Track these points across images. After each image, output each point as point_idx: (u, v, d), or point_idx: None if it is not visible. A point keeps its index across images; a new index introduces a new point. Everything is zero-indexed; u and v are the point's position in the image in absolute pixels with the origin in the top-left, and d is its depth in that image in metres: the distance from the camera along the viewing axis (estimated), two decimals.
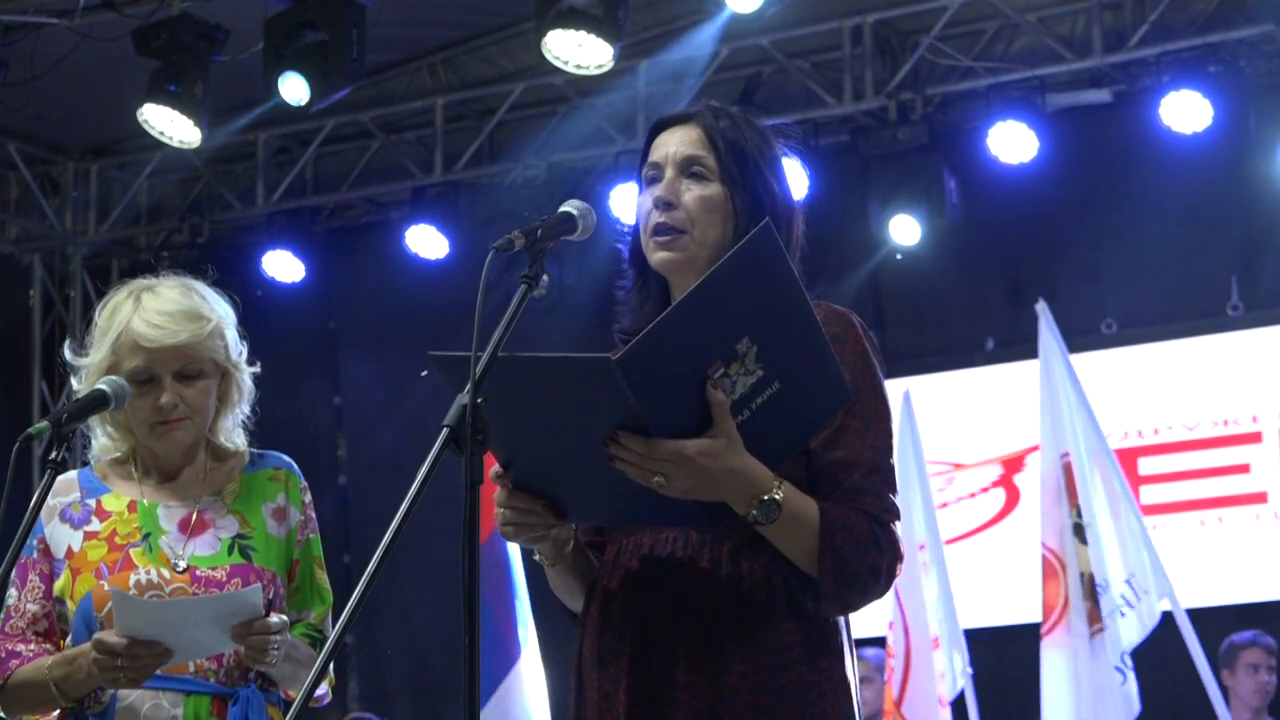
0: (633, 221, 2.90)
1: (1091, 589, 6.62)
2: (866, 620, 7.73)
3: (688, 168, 2.80)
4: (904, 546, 7.47)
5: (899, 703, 7.13)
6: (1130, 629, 6.73)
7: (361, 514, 10.01)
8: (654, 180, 2.82)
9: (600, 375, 2.45)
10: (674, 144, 2.82)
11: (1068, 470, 6.77)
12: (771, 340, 2.56)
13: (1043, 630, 6.80)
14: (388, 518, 2.43)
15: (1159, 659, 7.20)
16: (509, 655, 7.19)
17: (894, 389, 7.61)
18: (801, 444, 2.69)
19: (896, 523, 2.72)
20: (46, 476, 3.19)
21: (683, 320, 2.49)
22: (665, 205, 2.78)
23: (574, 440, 2.57)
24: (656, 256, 2.80)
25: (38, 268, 10.47)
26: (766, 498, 2.60)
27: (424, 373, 2.65)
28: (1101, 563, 6.66)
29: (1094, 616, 6.60)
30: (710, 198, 2.78)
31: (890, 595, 7.10)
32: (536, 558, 2.83)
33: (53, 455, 3.15)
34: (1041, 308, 7.10)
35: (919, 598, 7.15)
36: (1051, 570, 6.78)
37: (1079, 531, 6.71)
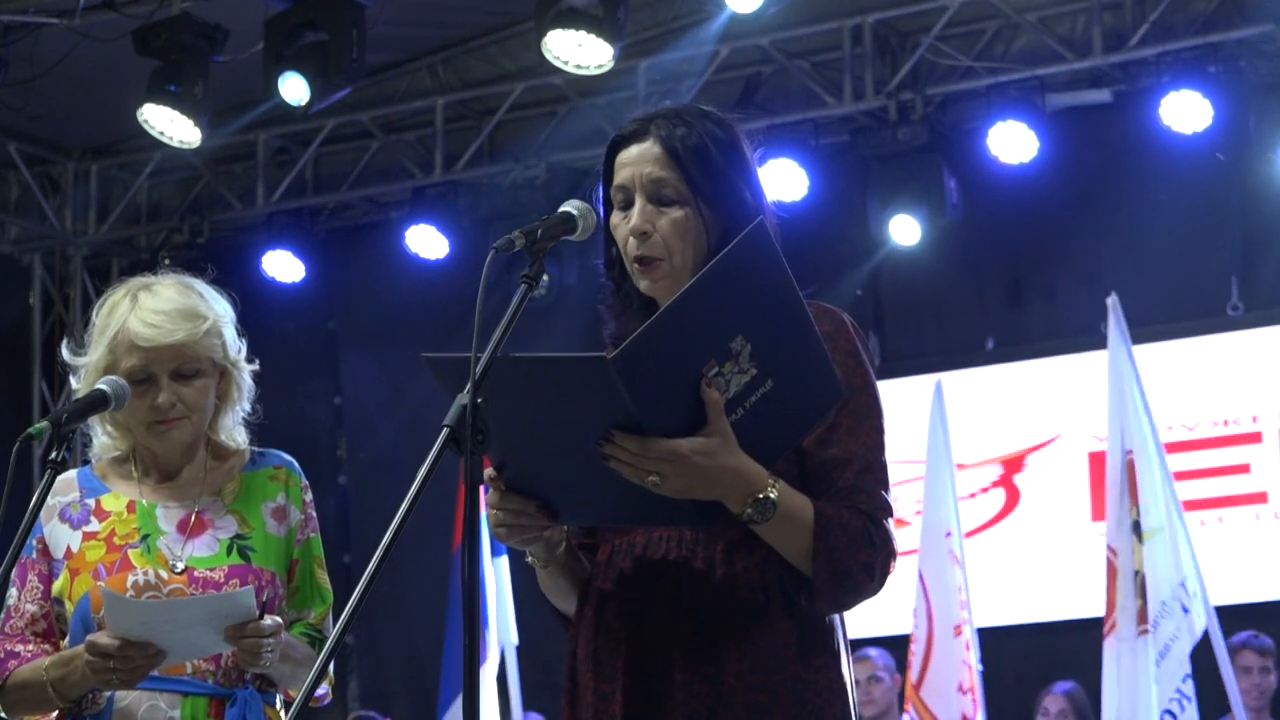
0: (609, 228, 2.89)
1: (1143, 588, 6.61)
2: (877, 620, 7.75)
3: (656, 192, 2.77)
4: (925, 533, 7.42)
5: (918, 687, 7.13)
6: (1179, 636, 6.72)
7: (361, 514, 10.01)
8: (625, 204, 2.80)
9: (595, 374, 2.45)
10: (638, 165, 2.78)
11: (1130, 468, 6.75)
12: (765, 338, 2.56)
13: (1104, 630, 6.77)
14: (388, 518, 2.43)
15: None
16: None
17: (911, 386, 7.68)
18: (795, 442, 2.69)
19: (890, 520, 2.72)
20: (47, 476, 3.19)
21: (677, 318, 2.49)
22: (642, 235, 2.77)
23: (568, 440, 2.57)
24: (642, 284, 2.80)
25: (38, 268, 10.47)
26: (761, 496, 2.60)
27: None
28: (1157, 564, 6.64)
29: (1142, 616, 6.59)
30: (681, 220, 2.76)
31: (915, 581, 7.15)
32: (529, 560, 2.82)
33: (53, 455, 3.15)
34: (1113, 301, 7.03)
35: (945, 584, 7.15)
36: (1112, 569, 6.77)
37: (1136, 529, 6.70)
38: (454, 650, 7.90)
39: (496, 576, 7.83)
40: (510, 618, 7.93)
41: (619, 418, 2.49)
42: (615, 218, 2.82)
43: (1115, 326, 7.00)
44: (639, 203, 2.78)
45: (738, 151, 2.82)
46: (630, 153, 2.80)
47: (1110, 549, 6.78)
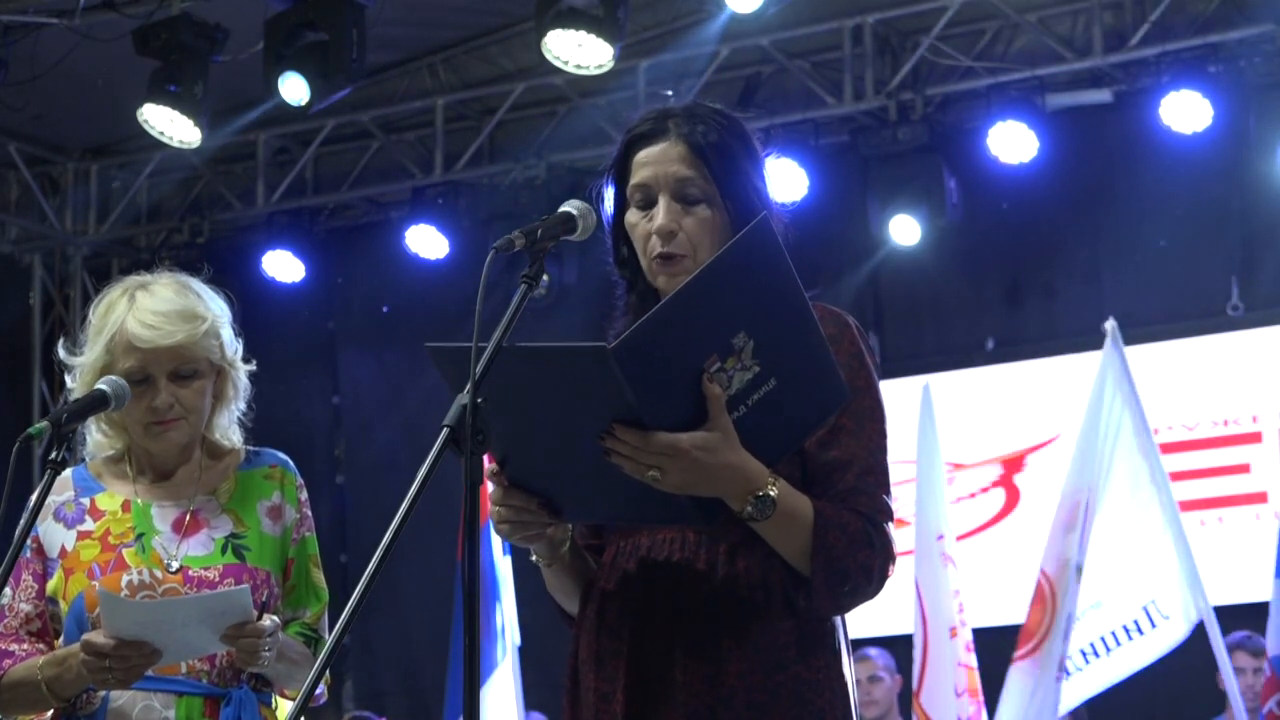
0: (611, 219, 2.87)
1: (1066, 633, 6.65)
2: (876, 620, 7.75)
3: (681, 191, 2.76)
4: (919, 538, 7.44)
5: (917, 694, 7.14)
6: (1139, 654, 6.72)
7: (359, 514, 10.01)
8: (645, 203, 2.79)
9: (596, 365, 2.44)
10: (661, 165, 2.77)
11: (1085, 509, 6.75)
12: (768, 336, 2.55)
13: (1015, 654, 6.77)
14: (385, 518, 2.43)
15: (1159, 660, 7.19)
16: (485, 668, 7.17)
17: (910, 386, 7.69)
18: (797, 443, 2.68)
19: (890, 523, 2.71)
20: (46, 477, 3.19)
21: (679, 311, 2.48)
22: (669, 235, 2.76)
23: (570, 435, 2.56)
24: (661, 281, 2.79)
25: (38, 268, 10.48)
26: (762, 493, 2.60)
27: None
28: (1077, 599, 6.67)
29: (1063, 663, 6.64)
30: (707, 219, 2.76)
31: (911, 587, 7.15)
32: (533, 558, 2.82)
33: (53, 455, 3.14)
34: (1111, 326, 6.80)
35: (938, 587, 7.15)
36: (1041, 596, 6.77)
37: (1079, 572, 6.71)
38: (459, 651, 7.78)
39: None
40: (513, 618, 7.91)
41: (620, 410, 2.49)
42: (633, 216, 2.80)
43: (1114, 353, 6.76)
44: (664, 202, 2.77)
45: (752, 148, 2.82)
46: (651, 152, 2.79)
47: (1045, 576, 6.77)
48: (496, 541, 7.38)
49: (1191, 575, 6.65)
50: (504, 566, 7.60)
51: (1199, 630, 6.76)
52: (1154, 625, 6.70)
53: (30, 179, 10.15)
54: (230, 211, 10.21)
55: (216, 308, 3.44)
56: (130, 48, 8.28)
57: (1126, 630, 6.69)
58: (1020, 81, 8.70)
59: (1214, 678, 7.42)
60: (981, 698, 7.23)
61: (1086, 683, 6.75)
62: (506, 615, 7.52)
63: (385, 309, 10.14)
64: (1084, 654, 6.68)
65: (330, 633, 3.37)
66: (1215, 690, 7.44)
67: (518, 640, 7.84)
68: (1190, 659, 6.78)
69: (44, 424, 3.17)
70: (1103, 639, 6.70)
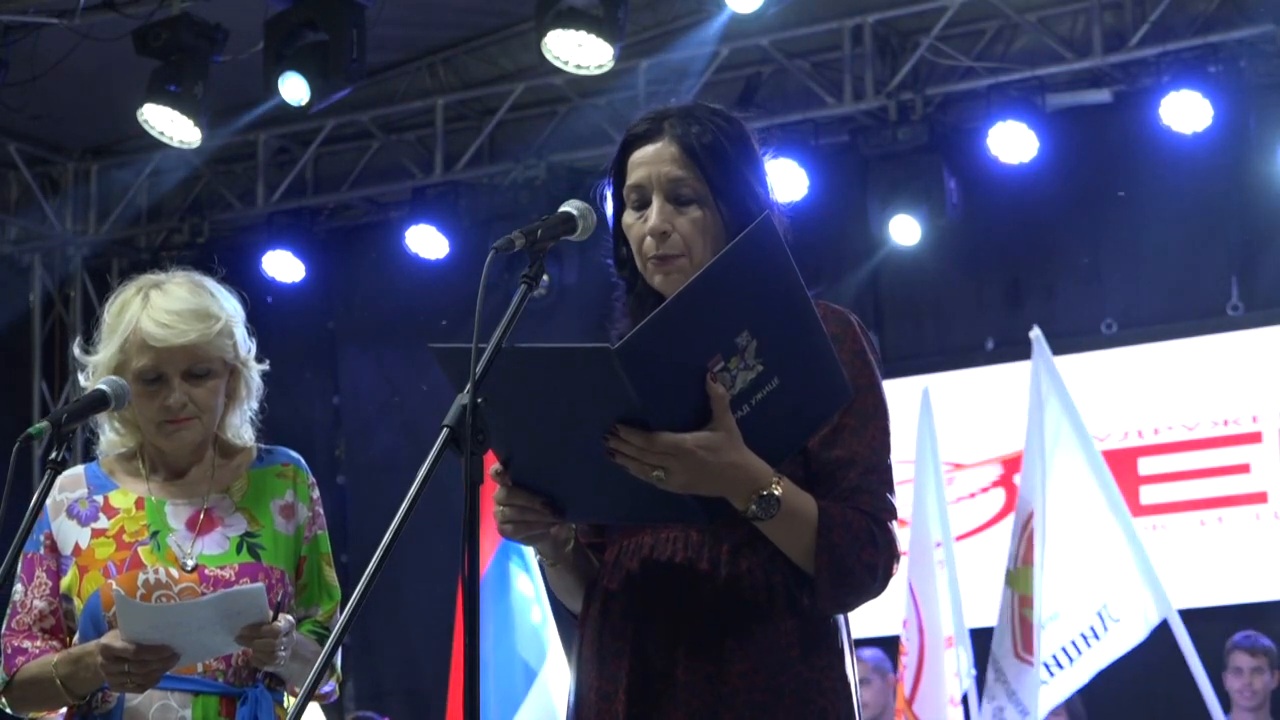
0: (612, 223, 2.88)
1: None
2: (869, 620, 7.74)
3: (674, 191, 2.77)
4: (913, 543, 7.49)
5: (910, 700, 7.13)
6: (1095, 659, 6.76)
7: (359, 514, 10.00)
8: (640, 203, 2.80)
9: (600, 366, 2.45)
10: (655, 165, 2.78)
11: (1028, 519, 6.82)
12: (772, 335, 2.56)
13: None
14: (386, 517, 2.43)
15: (1159, 660, 7.20)
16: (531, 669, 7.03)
17: (910, 386, 7.70)
18: (801, 442, 2.68)
19: (894, 521, 2.72)
20: (46, 477, 3.18)
21: (682, 311, 2.49)
22: (661, 235, 2.77)
23: (573, 435, 2.57)
24: (657, 281, 2.79)
25: (38, 268, 10.47)
26: (766, 493, 2.60)
27: (425, 387, 2.65)
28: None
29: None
30: (700, 220, 2.76)
31: (905, 592, 7.15)
32: (536, 557, 2.83)
33: (53, 455, 3.13)
34: (1036, 335, 6.99)
35: (934, 594, 7.15)
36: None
37: (1008, 576, 6.81)
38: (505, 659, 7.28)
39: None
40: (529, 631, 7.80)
41: (624, 411, 2.49)
42: (629, 217, 2.81)
43: (1041, 363, 6.90)
44: (657, 202, 2.78)
45: (750, 149, 2.83)
46: (645, 152, 2.80)
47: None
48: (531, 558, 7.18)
49: (1149, 576, 6.67)
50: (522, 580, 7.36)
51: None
52: (1106, 629, 6.72)
53: (30, 179, 10.15)
54: (230, 211, 10.22)
55: (230, 307, 3.44)
56: (130, 48, 8.28)
57: (1084, 638, 6.72)
58: (1020, 81, 8.71)
59: (1221, 679, 7.43)
60: (976, 703, 7.23)
61: (1053, 691, 6.78)
62: (528, 630, 7.18)
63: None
64: (1047, 667, 6.70)
65: None
66: (1222, 692, 7.43)
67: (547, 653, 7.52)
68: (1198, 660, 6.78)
69: (44, 424, 3.17)
70: (1064, 649, 6.73)
